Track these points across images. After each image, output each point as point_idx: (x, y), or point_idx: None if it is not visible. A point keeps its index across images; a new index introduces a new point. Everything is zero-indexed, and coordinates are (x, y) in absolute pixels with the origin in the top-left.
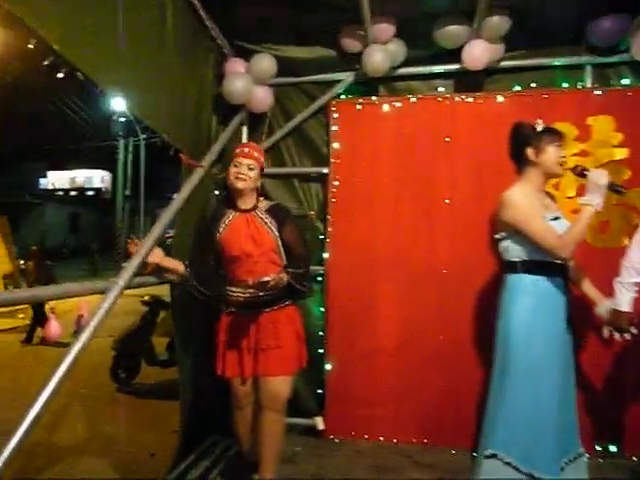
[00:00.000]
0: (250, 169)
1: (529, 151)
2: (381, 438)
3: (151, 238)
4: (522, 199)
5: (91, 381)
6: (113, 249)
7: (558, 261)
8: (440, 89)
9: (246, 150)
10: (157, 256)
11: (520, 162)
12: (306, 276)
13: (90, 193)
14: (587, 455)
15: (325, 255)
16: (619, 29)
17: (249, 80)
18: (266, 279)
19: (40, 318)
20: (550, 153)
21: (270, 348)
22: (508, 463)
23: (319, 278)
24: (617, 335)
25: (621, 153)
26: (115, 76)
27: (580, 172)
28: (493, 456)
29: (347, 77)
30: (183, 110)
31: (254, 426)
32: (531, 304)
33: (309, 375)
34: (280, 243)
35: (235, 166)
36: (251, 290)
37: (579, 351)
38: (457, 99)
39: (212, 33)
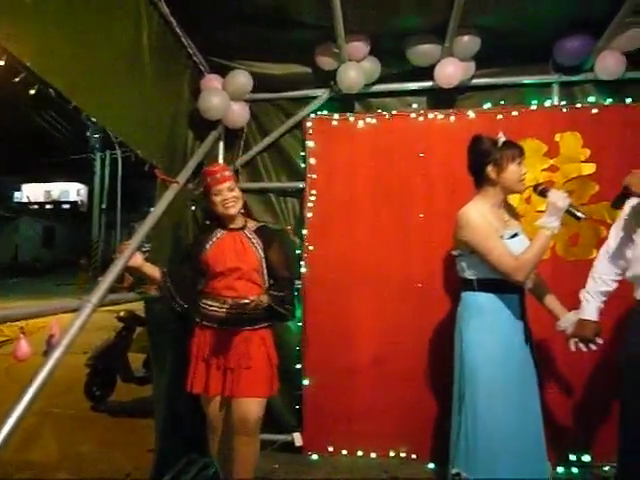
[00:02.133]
0: (231, 190)
1: (489, 169)
2: (359, 453)
3: (127, 252)
4: (478, 218)
5: (65, 399)
6: (89, 264)
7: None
8: (414, 105)
9: (218, 176)
10: (137, 260)
11: (479, 178)
12: (288, 299)
13: (66, 206)
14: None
15: (302, 270)
16: (583, 49)
17: (225, 96)
18: (246, 301)
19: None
20: (511, 172)
21: (239, 368)
22: None
23: (296, 293)
24: (583, 346)
25: (588, 168)
26: (88, 93)
27: (541, 192)
28: (457, 475)
29: (323, 94)
30: (158, 126)
31: (226, 448)
32: (485, 323)
33: (287, 391)
34: (264, 264)
35: (216, 195)
36: (227, 306)
37: (550, 365)
38: (430, 115)
39: (189, 50)
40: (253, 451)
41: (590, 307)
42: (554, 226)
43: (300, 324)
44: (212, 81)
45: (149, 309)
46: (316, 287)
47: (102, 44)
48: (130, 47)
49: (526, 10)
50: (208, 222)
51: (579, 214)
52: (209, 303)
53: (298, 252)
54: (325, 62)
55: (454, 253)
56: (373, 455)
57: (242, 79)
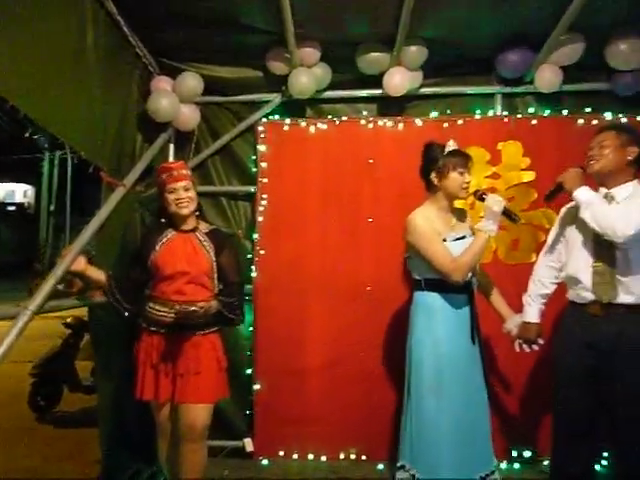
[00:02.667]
0: (186, 190)
1: (433, 175)
2: (310, 456)
3: (69, 256)
4: (422, 222)
5: (9, 410)
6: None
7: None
8: (364, 112)
9: (175, 173)
10: (81, 264)
11: (427, 183)
12: (238, 305)
13: (11, 208)
14: (498, 470)
15: (253, 274)
16: (524, 62)
17: (175, 98)
18: (194, 308)
19: None
20: (452, 179)
21: (189, 374)
22: (413, 475)
23: (247, 297)
24: (526, 347)
25: (528, 176)
26: (27, 91)
27: (479, 196)
28: (402, 467)
29: (274, 98)
30: (104, 127)
31: (175, 454)
32: (431, 321)
33: (238, 396)
34: (215, 268)
35: (171, 192)
36: (176, 313)
37: (494, 362)
38: (380, 123)
39: (137, 50)
40: (201, 457)
41: (532, 310)
42: (490, 229)
43: (251, 328)
44: (162, 83)
45: (93, 315)
46: (267, 291)
47: (42, 41)
48: (74, 45)
49: (470, 24)
50: (158, 221)
51: (514, 216)
52: (157, 308)
53: (249, 256)
54: (276, 67)
55: (405, 255)
56: (323, 458)
57: (192, 81)
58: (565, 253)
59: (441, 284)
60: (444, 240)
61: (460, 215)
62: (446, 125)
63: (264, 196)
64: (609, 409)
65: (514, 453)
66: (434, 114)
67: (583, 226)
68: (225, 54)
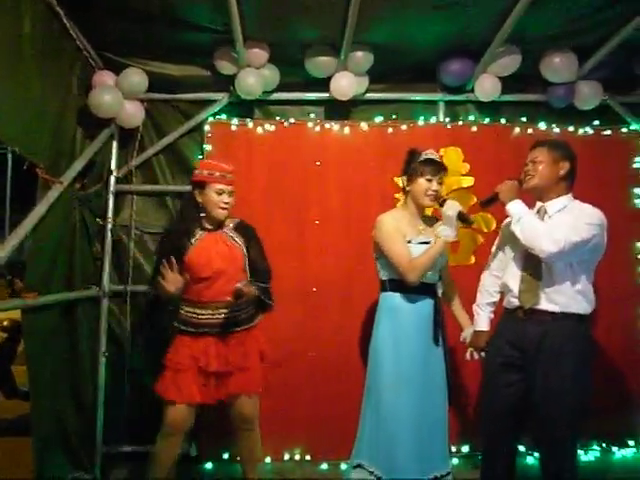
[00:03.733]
0: (231, 195)
1: (404, 179)
2: None
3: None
4: (389, 222)
5: None
6: None
7: (426, 281)
8: (312, 115)
9: (228, 177)
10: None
11: (403, 187)
12: (271, 291)
13: None
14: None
15: None
16: (465, 72)
17: (118, 94)
18: (238, 285)
19: None
20: (418, 184)
21: (238, 370)
22: (372, 472)
23: None
24: (476, 355)
25: (468, 181)
26: None
27: (441, 203)
28: (359, 466)
29: (222, 98)
30: (41, 122)
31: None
32: (396, 322)
33: None
34: (247, 261)
35: (218, 194)
36: (224, 311)
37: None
38: (327, 126)
39: (78, 43)
40: (258, 440)
41: (481, 319)
42: (446, 234)
43: None
44: (104, 77)
45: (26, 317)
46: None
47: None
48: (8, 35)
49: (413, 32)
50: (184, 220)
51: (468, 220)
52: (197, 311)
53: None
54: (224, 66)
55: (374, 256)
56: (268, 459)
57: (136, 77)
58: (504, 263)
59: (406, 285)
60: (409, 242)
61: (430, 222)
62: (391, 130)
63: None
64: (532, 408)
65: (453, 449)
66: (379, 119)
67: (516, 238)
68: (171, 51)
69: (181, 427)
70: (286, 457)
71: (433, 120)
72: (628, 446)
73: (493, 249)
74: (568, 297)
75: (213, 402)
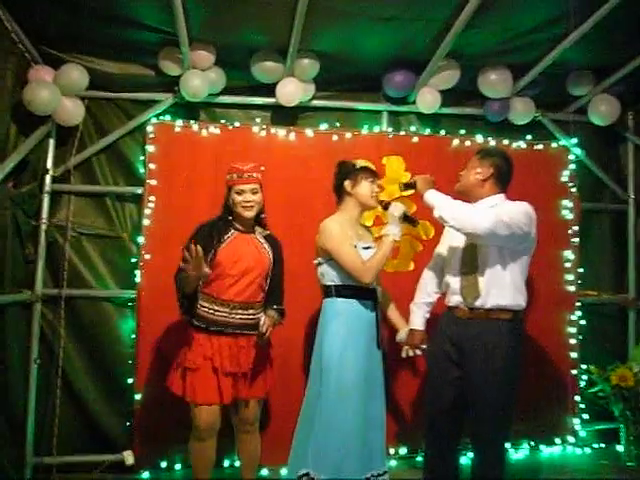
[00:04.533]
0: (254, 193)
1: (347, 183)
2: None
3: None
4: (336, 227)
5: None
6: None
7: (368, 285)
8: (258, 120)
9: (246, 176)
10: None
11: (340, 194)
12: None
13: None
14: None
15: (137, 279)
16: (407, 84)
17: (56, 90)
18: (262, 330)
19: None
20: (364, 187)
21: (251, 371)
22: None
23: (130, 303)
24: (411, 352)
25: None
26: None
27: (384, 206)
28: (306, 475)
29: (166, 99)
30: None
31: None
32: (343, 327)
33: (117, 407)
34: (270, 271)
35: (238, 194)
36: (240, 312)
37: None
38: (272, 131)
39: (13, 36)
40: (258, 442)
41: (416, 318)
42: (394, 233)
43: (133, 336)
44: (41, 73)
45: None
46: (152, 298)
47: None
48: None
49: (359, 43)
50: (219, 218)
51: (414, 220)
52: (215, 308)
53: (133, 260)
54: (169, 67)
55: (315, 262)
56: None
57: (76, 74)
58: (444, 264)
59: (353, 290)
60: (354, 246)
61: (365, 228)
62: (335, 138)
63: (152, 198)
64: (469, 408)
65: (392, 451)
66: (324, 126)
67: (457, 237)
68: (115, 48)
69: (213, 428)
70: (226, 464)
71: (377, 129)
72: (555, 444)
73: (434, 252)
74: (505, 292)
75: (229, 402)
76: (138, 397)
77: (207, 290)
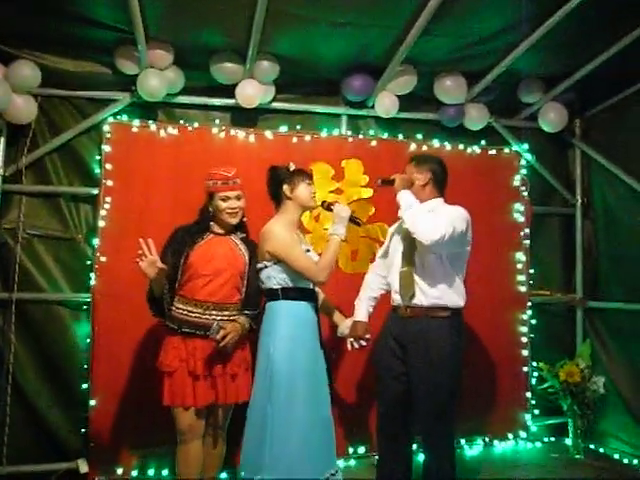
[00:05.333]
0: (238, 199)
1: (285, 187)
2: (150, 472)
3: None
4: (282, 230)
5: None
6: None
7: (310, 287)
8: (217, 121)
9: (231, 182)
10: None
11: (278, 199)
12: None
13: None
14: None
15: (92, 282)
16: (366, 88)
17: (7, 87)
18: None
19: None
20: (302, 189)
21: (226, 375)
22: None
23: (85, 307)
24: (356, 344)
25: (367, 192)
26: None
27: (327, 207)
28: None
29: (123, 98)
30: None
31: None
32: (292, 329)
33: (71, 413)
34: (247, 272)
35: (223, 200)
36: (214, 312)
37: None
38: (232, 132)
39: None
40: (223, 449)
41: (360, 310)
42: (341, 232)
43: (88, 340)
44: None
45: None
46: (107, 301)
47: None
48: None
49: (318, 47)
50: (196, 222)
51: (358, 221)
52: (189, 309)
53: (89, 263)
54: (126, 65)
55: (259, 266)
56: (165, 472)
57: (27, 70)
58: (389, 262)
59: (298, 292)
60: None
61: (301, 232)
62: (295, 140)
63: (108, 199)
64: (414, 403)
65: (350, 450)
66: (284, 129)
67: (400, 237)
68: (69, 46)
69: (195, 431)
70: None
71: (336, 132)
72: (508, 439)
73: (380, 250)
74: (441, 291)
75: (207, 404)
76: (93, 403)
77: (182, 292)
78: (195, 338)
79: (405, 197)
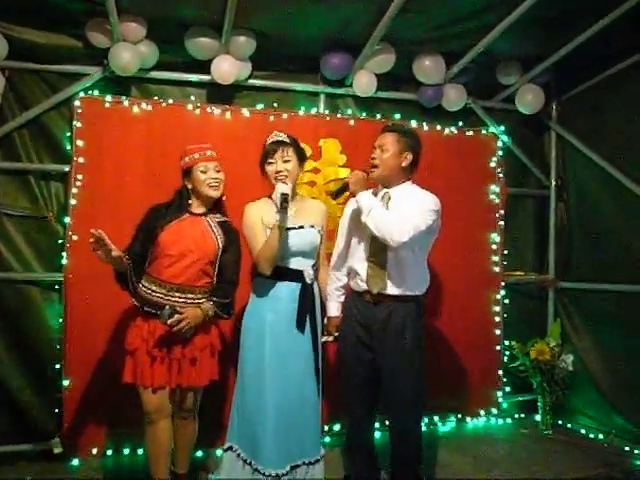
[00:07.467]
0: (218, 171)
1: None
2: (126, 451)
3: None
4: (252, 213)
5: None
6: None
7: (290, 266)
8: (193, 97)
9: (208, 153)
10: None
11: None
12: (232, 304)
13: None
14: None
15: (64, 261)
16: (344, 66)
17: None
18: (184, 324)
19: None
20: (268, 171)
21: (184, 358)
22: (239, 455)
23: (57, 286)
24: (329, 338)
25: (344, 172)
26: None
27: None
28: (230, 448)
29: (95, 72)
30: None
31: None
32: (253, 307)
33: (44, 394)
34: (219, 258)
35: (203, 172)
36: (177, 294)
37: None
38: (207, 109)
39: None
40: (194, 429)
41: (331, 305)
42: (277, 219)
43: (60, 320)
44: None
45: None
46: (79, 280)
47: None
48: None
49: (296, 23)
50: (172, 201)
51: (285, 205)
52: (152, 288)
53: (61, 242)
54: (97, 39)
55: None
56: (140, 451)
57: None
58: (349, 247)
59: (273, 271)
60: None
61: (304, 205)
62: (272, 118)
63: (79, 177)
64: (380, 381)
65: (325, 427)
66: (261, 106)
67: (362, 228)
68: (38, 17)
69: (160, 410)
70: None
71: (314, 111)
72: (480, 416)
73: (338, 235)
74: (410, 281)
75: (163, 385)
76: (66, 383)
77: (149, 270)
78: (157, 318)
79: (364, 200)
